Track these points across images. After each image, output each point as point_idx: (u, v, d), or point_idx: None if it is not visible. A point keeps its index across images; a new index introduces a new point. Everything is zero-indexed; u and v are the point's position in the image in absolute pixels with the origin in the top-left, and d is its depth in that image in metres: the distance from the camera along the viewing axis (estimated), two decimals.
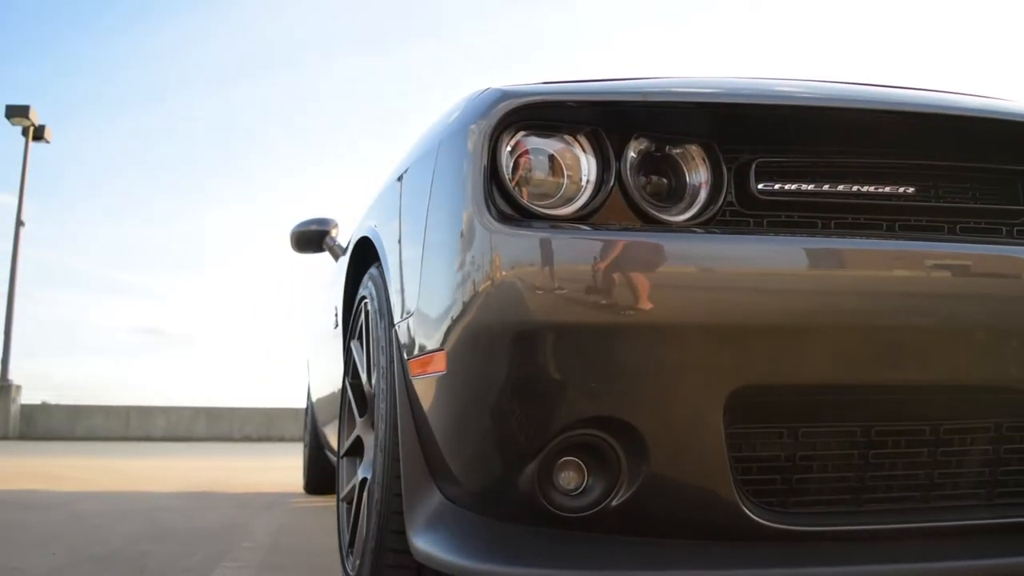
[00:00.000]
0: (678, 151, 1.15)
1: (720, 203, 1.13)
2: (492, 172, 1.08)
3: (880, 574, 1.08)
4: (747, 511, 1.05)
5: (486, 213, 1.04)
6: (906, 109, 1.20)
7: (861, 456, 1.11)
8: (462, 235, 1.07)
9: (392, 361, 1.34)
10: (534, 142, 1.11)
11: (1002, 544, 1.14)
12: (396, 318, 1.33)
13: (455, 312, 1.08)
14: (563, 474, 1.09)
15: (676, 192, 1.16)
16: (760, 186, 1.14)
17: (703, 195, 1.14)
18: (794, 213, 1.16)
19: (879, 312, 1.06)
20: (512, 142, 1.11)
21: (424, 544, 1.16)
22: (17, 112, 13.47)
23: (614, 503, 1.06)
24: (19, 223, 13.39)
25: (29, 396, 12.64)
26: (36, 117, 13.73)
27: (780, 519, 1.08)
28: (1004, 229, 1.22)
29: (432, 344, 1.15)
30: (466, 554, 1.08)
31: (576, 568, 1.04)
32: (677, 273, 1.02)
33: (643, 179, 1.15)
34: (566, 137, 1.12)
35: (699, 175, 1.15)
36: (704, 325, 1.01)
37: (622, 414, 1.03)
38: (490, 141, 1.08)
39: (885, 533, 1.11)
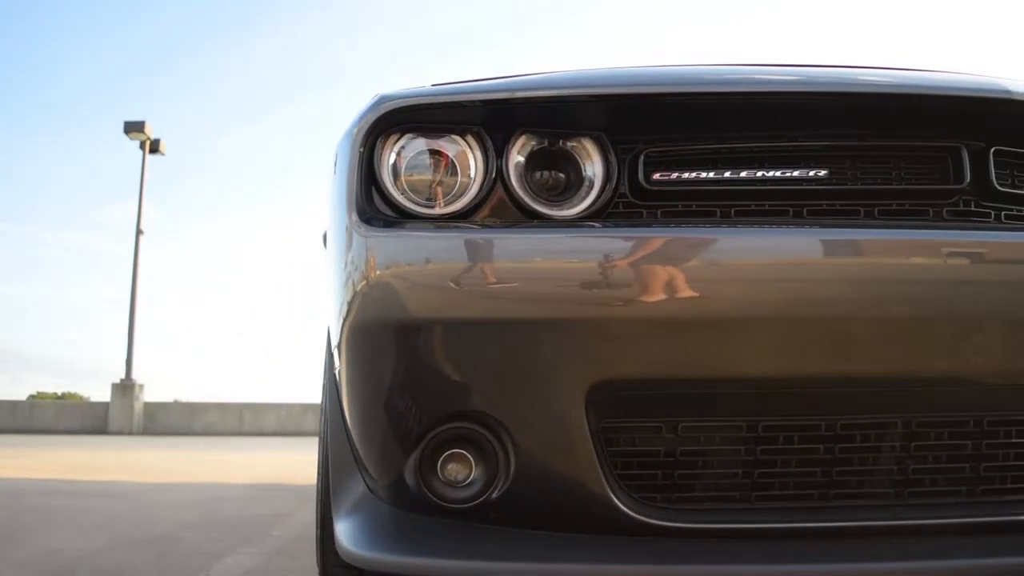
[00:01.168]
0: (572, 145, 1.15)
1: (611, 196, 1.12)
2: (369, 173, 1.11)
3: (768, 574, 1.05)
4: (621, 506, 1.04)
5: (355, 215, 1.08)
6: (810, 89, 1.15)
7: (749, 452, 1.07)
8: (345, 234, 1.11)
9: (328, 357, 1.40)
10: (417, 144, 1.13)
11: (916, 547, 1.07)
12: (329, 316, 1.39)
13: (344, 311, 1.12)
14: (451, 466, 1.10)
15: (573, 186, 1.15)
16: (656, 176, 1.12)
17: (595, 188, 1.13)
18: (691, 202, 1.13)
19: (740, 302, 1.02)
20: (397, 145, 1.13)
21: (339, 532, 1.20)
22: (134, 127, 14.47)
23: (494, 495, 1.07)
24: (138, 231, 14.37)
25: (159, 394, 13.51)
26: (151, 131, 14.70)
27: (661, 515, 1.06)
28: (931, 211, 1.15)
29: (335, 341, 1.20)
30: (360, 542, 1.12)
31: (445, 557, 1.05)
32: (528, 268, 1.02)
33: (539, 175, 1.15)
34: (452, 137, 1.14)
35: (592, 168, 1.14)
36: (555, 320, 1.01)
37: (488, 409, 1.04)
38: (366, 143, 1.11)
39: (777, 532, 1.07)
